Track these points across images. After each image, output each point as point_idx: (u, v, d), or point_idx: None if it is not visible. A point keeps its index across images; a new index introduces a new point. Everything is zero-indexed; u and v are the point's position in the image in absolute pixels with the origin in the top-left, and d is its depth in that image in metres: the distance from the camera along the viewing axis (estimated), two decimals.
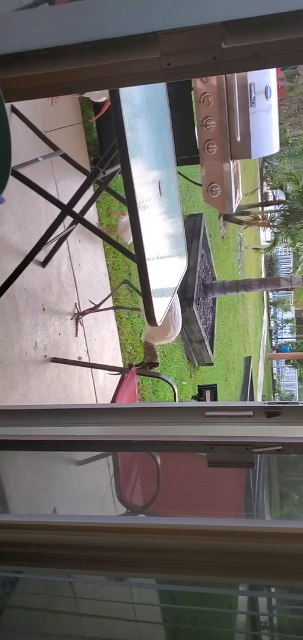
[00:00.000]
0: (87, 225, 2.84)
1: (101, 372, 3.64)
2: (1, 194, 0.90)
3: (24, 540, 1.62)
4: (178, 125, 3.29)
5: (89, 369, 3.54)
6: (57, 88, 1.78)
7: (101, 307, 3.64)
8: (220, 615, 1.77)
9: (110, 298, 3.94)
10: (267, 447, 1.67)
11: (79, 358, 3.52)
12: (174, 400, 3.64)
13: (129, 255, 2.86)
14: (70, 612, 1.77)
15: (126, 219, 3.50)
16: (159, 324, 2.74)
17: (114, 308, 3.94)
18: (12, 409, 1.93)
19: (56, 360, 3.12)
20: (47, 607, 1.77)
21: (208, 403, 3.20)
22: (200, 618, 1.75)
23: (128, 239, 3.49)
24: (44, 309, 3.10)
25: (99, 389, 3.71)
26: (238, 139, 3.78)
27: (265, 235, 14.63)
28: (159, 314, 2.71)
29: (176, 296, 3.60)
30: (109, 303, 3.91)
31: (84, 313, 3.54)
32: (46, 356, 3.07)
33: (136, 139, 2.46)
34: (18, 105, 2.93)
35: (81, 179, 3.34)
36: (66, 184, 3.51)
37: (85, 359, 3.56)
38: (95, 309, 3.58)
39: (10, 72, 1.57)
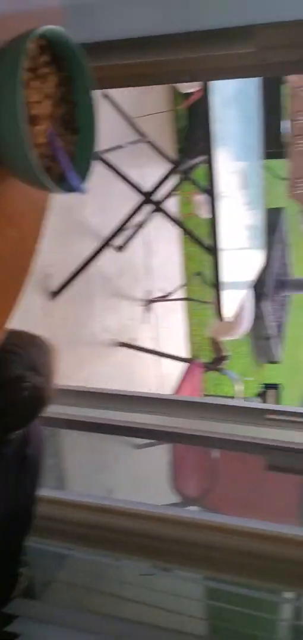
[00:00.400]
0: (166, 214, 2.84)
1: (166, 360, 3.65)
2: (84, 184, 0.91)
3: (77, 519, 1.67)
4: (266, 118, 3.20)
5: (155, 356, 3.56)
6: (147, 78, 1.77)
7: (172, 297, 3.64)
8: (264, 620, 1.75)
9: (181, 288, 3.94)
10: None
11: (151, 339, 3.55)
12: (236, 397, 3.60)
13: (204, 247, 2.83)
14: (116, 595, 1.81)
15: (202, 197, 3.46)
16: (228, 319, 2.70)
17: (184, 299, 3.93)
18: (77, 389, 1.98)
19: (123, 344, 3.16)
20: (92, 586, 1.82)
21: (269, 405, 3.14)
22: (242, 620, 1.74)
23: (203, 215, 3.45)
24: (116, 294, 3.15)
25: (163, 376, 3.72)
26: None
27: None
28: (229, 308, 2.67)
29: (249, 292, 3.52)
30: (180, 293, 3.90)
31: (154, 301, 3.56)
32: (114, 340, 3.12)
33: (223, 130, 2.43)
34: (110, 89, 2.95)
35: (166, 166, 3.33)
36: (150, 171, 3.51)
37: (152, 347, 3.58)
38: (165, 298, 3.59)
39: (101, 60, 1.58)
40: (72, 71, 0.91)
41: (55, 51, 0.88)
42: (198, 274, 3.78)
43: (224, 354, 3.51)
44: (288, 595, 1.74)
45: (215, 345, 3.42)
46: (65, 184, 0.91)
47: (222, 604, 1.80)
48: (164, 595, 1.79)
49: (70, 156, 0.93)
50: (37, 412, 1.22)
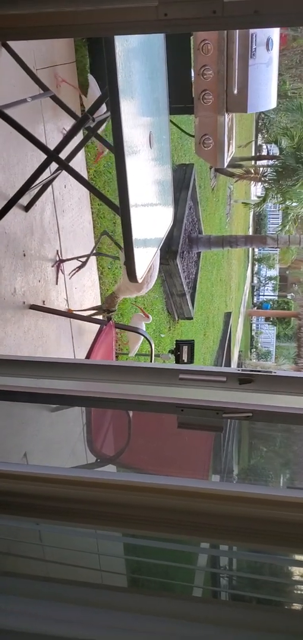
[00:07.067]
0: (73, 173, 2.76)
1: (79, 321, 3.62)
2: None
3: None
4: (174, 72, 3.16)
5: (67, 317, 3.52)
6: (48, 30, 1.69)
7: (82, 255, 3.58)
8: (180, 570, 1.83)
9: (92, 246, 3.88)
10: (237, 412, 1.70)
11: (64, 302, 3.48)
12: (151, 355, 3.66)
13: (113, 207, 2.80)
14: (34, 557, 1.81)
15: None
16: (140, 280, 2.69)
17: (95, 254, 3.88)
18: None
19: (34, 307, 3.09)
20: (12, 551, 1.81)
21: (182, 366, 3.22)
22: (160, 571, 1.81)
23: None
24: (24, 255, 3.04)
25: (76, 337, 3.69)
26: (235, 91, 3.65)
27: (256, 190, 14.45)
28: (140, 269, 2.65)
29: (158, 249, 3.53)
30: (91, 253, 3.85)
31: (64, 260, 3.49)
32: (24, 303, 3.03)
33: (128, 81, 2.36)
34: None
35: (71, 121, 3.22)
36: (55, 126, 3.39)
37: (64, 308, 3.53)
38: (80, 267, 3.53)
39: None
40: None
41: None
42: (104, 233, 3.73)
43: (113, 309, 3.52)
44: (204, 545, 1.83)
45: (112, 300, 3.42)
46: None
47: (140, 558, 1.87)
48: (84, 554, 1.82)
49: None
50: None
